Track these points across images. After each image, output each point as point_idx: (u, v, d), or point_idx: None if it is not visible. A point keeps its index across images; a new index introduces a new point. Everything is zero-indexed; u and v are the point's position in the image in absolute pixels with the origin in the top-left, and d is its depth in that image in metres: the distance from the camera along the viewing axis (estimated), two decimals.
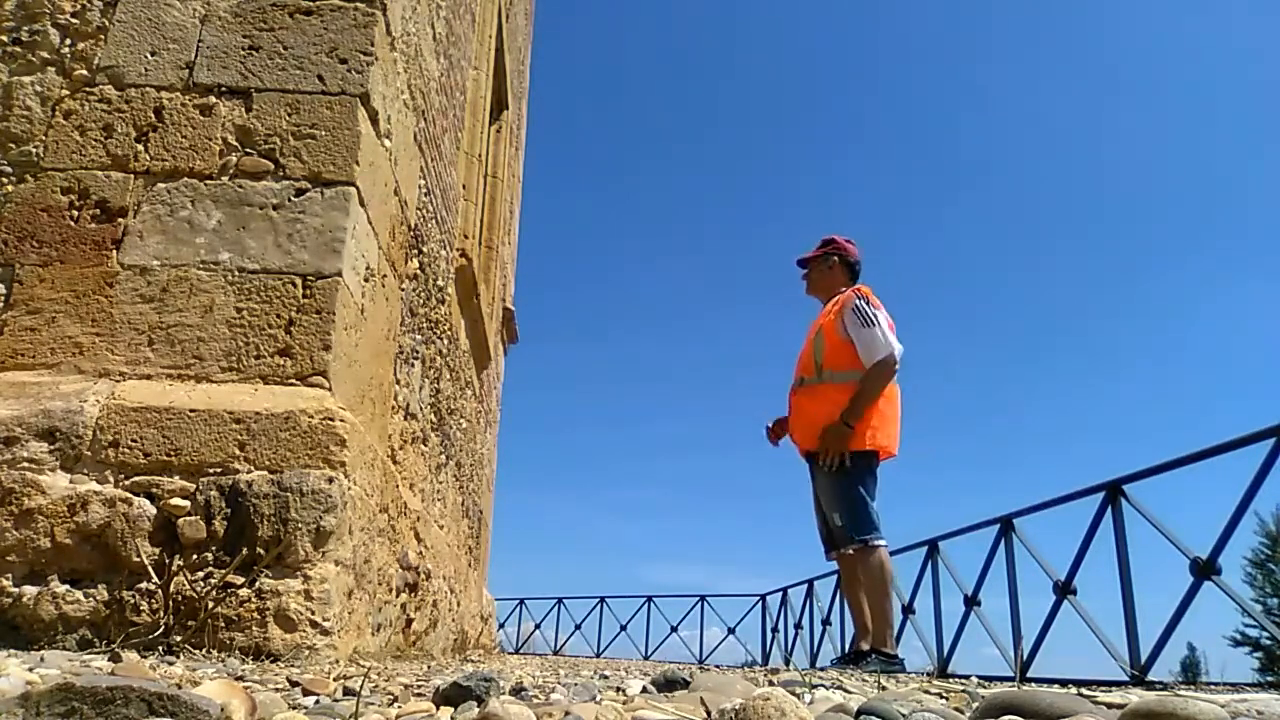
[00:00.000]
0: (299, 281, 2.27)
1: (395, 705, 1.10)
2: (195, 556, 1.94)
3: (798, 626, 9.93)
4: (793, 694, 1.15)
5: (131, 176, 2.33)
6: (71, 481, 1.99)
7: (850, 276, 3.75)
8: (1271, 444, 3.65)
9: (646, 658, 11.62)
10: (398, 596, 2.79)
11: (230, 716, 0.89)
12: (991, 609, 5.67)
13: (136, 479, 2.00)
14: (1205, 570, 3.82)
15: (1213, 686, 3.89)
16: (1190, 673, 12.60)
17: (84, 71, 2.40)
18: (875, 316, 3.45)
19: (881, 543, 3.38)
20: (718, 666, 7.33)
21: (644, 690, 1.34)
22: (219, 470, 2.02)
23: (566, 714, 0.98)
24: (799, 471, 3.78)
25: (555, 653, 12.42)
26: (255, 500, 1.98)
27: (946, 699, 1.31)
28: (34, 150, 2.34)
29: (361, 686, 1.24)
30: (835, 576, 8.12)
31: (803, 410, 3.62)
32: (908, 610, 6.58)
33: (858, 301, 3.49)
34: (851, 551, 3.40)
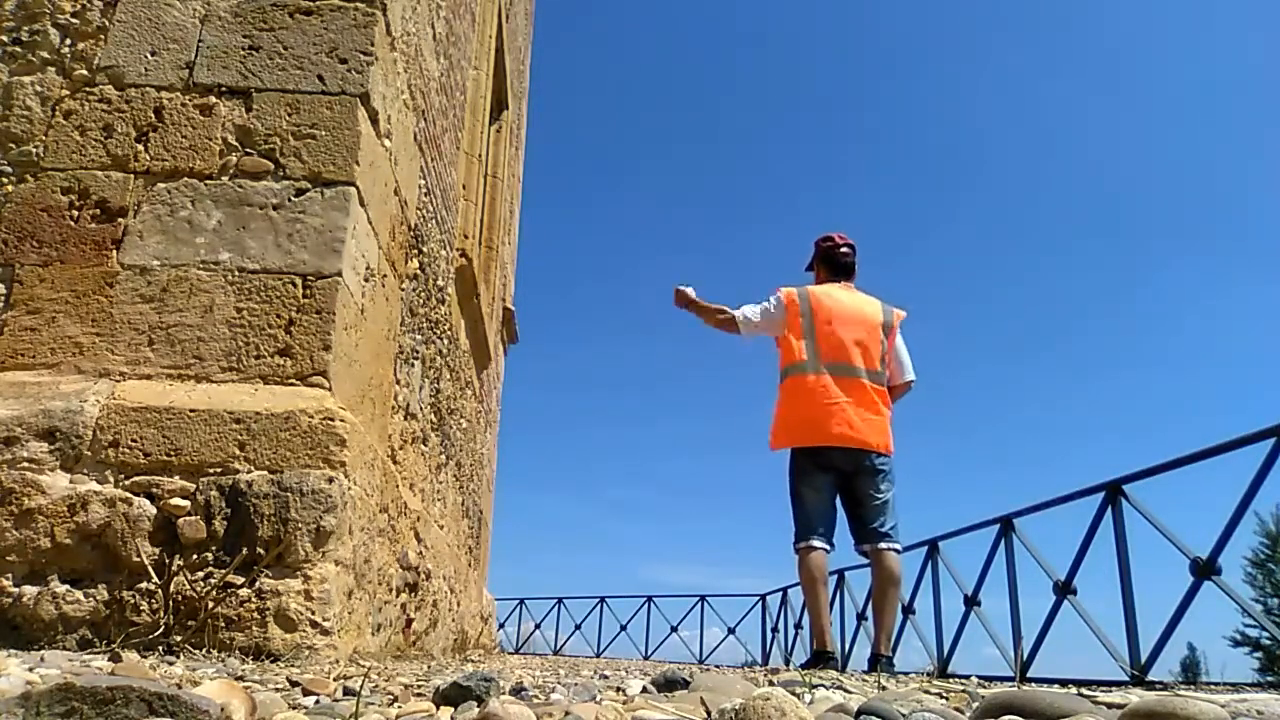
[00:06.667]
0: (299, 281, 2.27)
1: (395, 705, 1.10)
2: (195, 556, 1.94)
3: (798, 626, 9.92)
4: (793, 694, 1.15)
5: (131, 176, 2.33)
6: (71, 481, 1.99)
7: None
8: (1271, 444, 3.65)
9: (646, 658, 11.61)
10: (398, 596, 2.79)
11: (230, 716, 0.89)
12: (991, 609, 5.68)
13: (136, 479, 2.00)
14: (1205, 570, 3.82)
15: (1213, 686, 3.89)
16: (1190, 673, 12.58)
17: (84, 71, 2.40)
18: None
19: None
20: (718, 666, 7.33)
21: (644, 690, 1.34)
22: (219, 470, 2.02)
23: (566, 714, 0.98)
24: None
25: (555, 653, 12.42)
26: (255, 500, 1.98)
27: (946, 699, 1.31)
28: (34, 150, 2.34)
29: (361, 686, 1.24)
30: (835, 576, 8.13)
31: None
32: (908, 610, 6.58)
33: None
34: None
